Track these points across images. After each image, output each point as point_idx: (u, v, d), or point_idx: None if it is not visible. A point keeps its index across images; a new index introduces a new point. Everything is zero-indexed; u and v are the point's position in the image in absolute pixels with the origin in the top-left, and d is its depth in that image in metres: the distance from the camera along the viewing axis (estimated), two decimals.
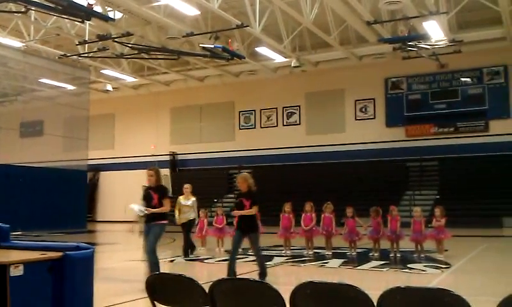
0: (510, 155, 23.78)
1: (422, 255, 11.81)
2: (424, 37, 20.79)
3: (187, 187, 13.16)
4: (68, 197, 23.68)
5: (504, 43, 23.61)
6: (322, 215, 12.78)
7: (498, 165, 23.63)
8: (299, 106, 29.30)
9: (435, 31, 20.21)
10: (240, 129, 30.84)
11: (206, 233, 13.86)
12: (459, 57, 23.48)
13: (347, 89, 28.07)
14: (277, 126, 29.81)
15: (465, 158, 24.60)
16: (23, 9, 17.99)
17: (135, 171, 32.25)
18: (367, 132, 27.11)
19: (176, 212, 12.83)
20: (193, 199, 12.87)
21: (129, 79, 29.67)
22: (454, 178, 24.05)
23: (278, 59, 25.21)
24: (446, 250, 12.08)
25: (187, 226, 12.69)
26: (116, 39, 22.23)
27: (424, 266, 10.47)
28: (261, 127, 30.26)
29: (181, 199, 12.88)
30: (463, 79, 25.80)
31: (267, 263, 11.21)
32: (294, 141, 28.70)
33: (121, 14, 21.95)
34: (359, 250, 12.60)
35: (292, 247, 12.91)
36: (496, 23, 22.00)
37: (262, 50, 24.05)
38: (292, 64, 25.58)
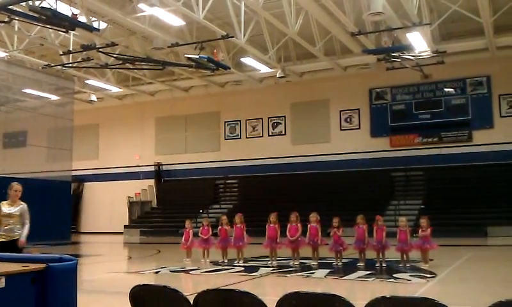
0: (493, 165, 24.04)
1: (408, 265, 11.82)
2: (407, 48, 21.02)
3: (16, 187, 8.30)
4: (52, 208, 23.39)
5: (487, 54, 23.92)
6: (308, 225, 12.75)
7: (482, 175, 23.86)
8: (284, 116, 29.38)
9: (419, 42, 20.44)
10: (225, 139, 30.81)
11: (191, 244, 13.74)
12: (442, 68, 23.74)
13: (332, 100, 28.21)
14: (262, 136, 29.84)
15: (449, 168, 24.81)
16: (6, 19, 17.86)
17: (119, 182, 32.13)
18: (352, 142, 27.24)
19: None
20: (22, 205, 8.26)
21: (114, 89, 29.53)
22: (439, 188, 24.21)
23: (263, 69, 25.27)
24: (431, 259, 12.12)
25: (11, 247, 7.73)
26: (100, 50, 22.12)
27: (410, 276, 10.49)
28: (246, 137, 30.27)
29: (3, 205, 8.20)
30: (446, 90, 26.08)
31: (253, 273, 11.17)
32: (279, 151, 28.75)
33: (106, 24, 21.88)
34: (345, 260, 12.59)
35: (278, 258, 12.86)
36: (478, 34, 22.30)
37: (247, 60, 24.10)
38: (277, 75, 25.67)
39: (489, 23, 20.50)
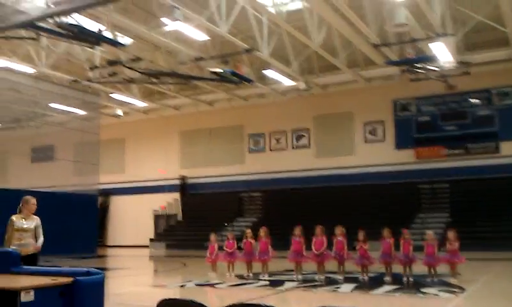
0: None
1: (435, 279, 11.65)
2: (431, 59, 20.86)
3: (33, 201, 8.11)
4: (78, 221, 23.68)
5: None
6: (334, 239, 12.67)
7: (510, 187, 23.40)
8: (308, 129, 29.32)
9: (443, 53, 20.25)
10: (249, 152, 30.86)
11: (216, 258, 13.74)
12: (467, 79, 23.45)
13: (355, 112, 28.07)
14: (286, 149, 29.80)
15: (476, 180, 24.37)
16: (34, 36, 18.26)
17: (145, 195, 32.39)
18: (377, 155, 27.02)
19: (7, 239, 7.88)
20: (36, 219, 8.08)
21: (139, 104, 29.87)
22: (465, 201, 23.82)
23: (286, 82, 25.29)
24: (459, 274, 11.91)
25: (26, 262, 6.82)
26: (126, 65, 22.44)
27: (438, 290, 10.32)
28: (270, 150, 30.27)
29: (17, 218, 7.92)
30: (472, 100, 25.74)
31: (279, 287, 11.12)
32: (303, 164, 28.66)
33: (131, 39, 22.20)
34: (371, 274, 12.45)
35: (303, 272, 12.78)
36: (503, 44, 22.04)
37: (270, 73, 24.15)
38: (301, 87, 25.67)
39: None
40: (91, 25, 18.14)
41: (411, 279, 11.76)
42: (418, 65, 21.91)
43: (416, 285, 11.18)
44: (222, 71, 21.37)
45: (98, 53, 22.00)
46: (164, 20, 18.11)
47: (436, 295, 9.90)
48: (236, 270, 13.48)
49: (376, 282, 11.68)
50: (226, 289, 11.30)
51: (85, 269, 5.72)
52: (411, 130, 26.76)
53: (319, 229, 12.63)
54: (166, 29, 19.39)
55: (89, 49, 20.36)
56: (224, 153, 31.34)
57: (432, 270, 11.84)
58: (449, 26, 19.84)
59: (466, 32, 21.10)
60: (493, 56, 23.32)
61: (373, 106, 27.49)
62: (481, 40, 22.73)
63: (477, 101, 25.67)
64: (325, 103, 28.39)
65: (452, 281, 11.44)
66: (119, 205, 33.74)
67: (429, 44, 19.83)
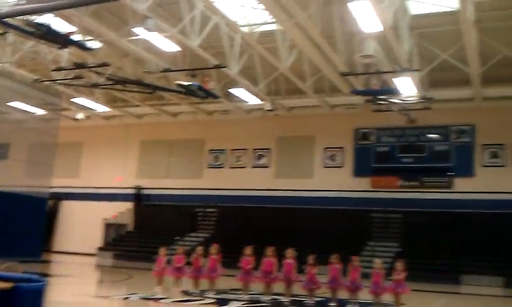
0: (473, 213, 24.15)
1: None
2: (395, 92, 21.30)
3: None
4: (24, 224, 22.99)
5: (473, 104, 24.33)
6: (284, 261, 12.71)
7: (461, 223, 23.97)
8: (269, 149, 29.45)
9: (407, 87, 20.75)
10: (208, 168, 30.75)
11: (163, 272, 13.58)
12: (428, 114, 24.00)
13: (317, 136, 28.38)
14: (246, 167, 29.83)
15: (429, 213, 24.89)
16: (1, 31, 17.87)
17: (97, 203, 31.77)
18: (334, 180, 27.31)
19: None
20: None
21: (101, 109, 29.48)
22: (417, 232, 24.21)
23: (252, 101, 25.41)
24: (403, 304, 12.10)
25: None
26: (92, 69, 22.17)
27: None
28: (230, 167, 30.24)
29: None
30: (430, 135, 26.39)
31: (224, 306, 11.05)
32: (262, 184, 28.70)
33: (100, 44, 21.98)
34: (318, 299, 12.52)
35: (250, 292, 12.75)
36: (466, 84, 22.69)
37: (237, 91, 24.24)
38: (266, 108, 25.83)
39: (477, 74, 20.90)
40: (61, 26, 17.93)
41: (356, 306, 11.87)
42: (382, 96, 22.34)
43: None
44: (189, 84, 21.32)
45: (65, 54, 21.67)
46: (136, 29, 17.99)
47: None
48: (183, 285, 13.35)
49: (321, 306, 11.76)
50: (171, 304, 11.18)
51: (26, 276, 5.59)
52: (370, 159, 27.21)
53: (270, 251, 12.67)
54: (137, 37, 19.28)
55: (56, 49, 20.03)
56: (182, 166, 31.15)
57: (377, 299, 11.99)
58: (415, 62, 20.37)
59: (430, 69, 21.66)
60: (454, 94, 24.02)
61: (335, 132, 27.87)
62: (444, 78, 23.33)
63: (435, 136, 26.33)
64: (288, 125, 28.63)
65: None
66: (69, 210, 32.93)
67: (394, 77, 20.31)
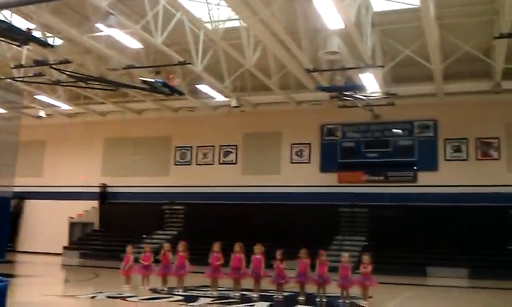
0: (436, 206, 24.69)
1: (347, 301, 11.93)
2: (359, 88, 21.53)
3: None
4: None
5: (435, 99, 24.79)
6: (252, 257, 12.72)
7: (425, 216, 24.45)
8: (236, 146, 29.43)
9: (371, 83, 21.02)
10: (175, 165, 30.55)
11: (131, 270, 13.44)
12: (392, 109, 24.41)
13: (284, 133, 28.51)
14: (213, 164, 29.75)
15: (394, 206, 25.32)
16: None
17: (62, 202, 31.25)
18: (302, 176, 27.51)
19: None
20: None
21: (64, 107, 28.95)
22: (383, 226, 24.60)
23: (218, 97, 25.36)
24: (371, 297, 12.26)
25: None
26: (53, 66, 21.72)
27: None
28: (197, 164, 30.10)
29: None
30: (394, 130, 26.80)
31: (193, 303, 11.00)
32: (229, 180, 28.68)
33: (61, 41, 21.57)
34: (286, 293, 12.57)
35: (219, 288, 12.73)
36: (428, 80, 23.09)
37: (203, 87, 24.13)
38: (232, 104, 25.80)
39: (439, 69, 21.30)
40: (20, 23, 17.51)
41: (324, 299, 11.98)
42: (347, 93, 22.54)
43: (328, 306, 11.41)
44: (153, 81, 21.08)
45: (25, 51, 21.16)
46: (98, 25, 17.68)
47: None
48: (151, 283, 13.24)
49: (290, 301, 11.82)
50: (138, 302, 11.07)
51: None
52: (336, 154, 27.46)
53: (238, 246, 12.67)
54: (99, 33, 18.97)
55: (16, 46, 19.54)
56: (149, 164, 30.88)
57: (345, 292, 12.10)
58: (379, 58, 20.64)
59: (394, 65, 21.98)
60: (417, 90, 24.41)
61: (301, 128, 28.05)
62: (407, 74, 23.72)
63: (399, 131, 26.75)
64: (255, 122, 28.67)
65: (363, 303, 11.76)
66: (33, 209, 32.28)
67: (359, 73, 20.55)
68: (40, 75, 22.57)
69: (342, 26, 16.07)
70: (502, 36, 17.22)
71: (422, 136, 26.34)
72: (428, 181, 25.59)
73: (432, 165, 25.84)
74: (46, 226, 30.93)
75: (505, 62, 20.44)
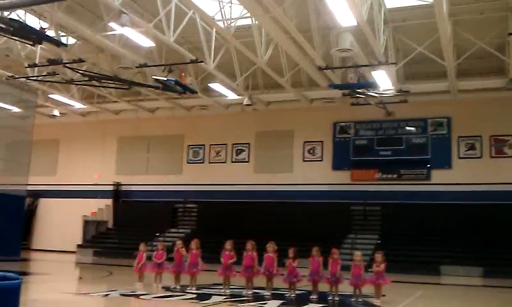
0: (450, 204, 24.51)
1: (360, 300, 11.87)
2: (372, 85, 21.43)
3: None
4: (2, 222, 22.67)
5: (448, 96, 24.61)
6: (265, 255, 12.70)
7: (439, 214, 24.30)
8: (248, 144, 29.46)
9: (383, 80, 20.90)
10: (188, 163, 30.65)
11: (144, 268, 13.50)
12: (405, 107, 24.24)
13: (296, 130, 28.47)
14: (225, 162, 29.80)
15: (407, 205, 25.19)
16: None
17: (76, 200, 31.49)
18: (314, 174, 27.47)
19: None
20: None
21: (78, 106, 29.16)
22: (396, 224, 24.53)
23: (230, 96, 25.38)
24: (383, 295, 12.18)
25: None
26: (67, 65, 21.87)
27: None
28: (209, 162, 30.18)
29: None
30: (408, 128, 26.64)
31: (205, 301, 11.02)
32: (241, 178, 28.72)
33: (75, 40, 21.72)
34: (298, 292, 12.55)
35: (231, 286, 12.73)
36: (441, 77, 22.93)
37: (215, 86, 24.18)
38: (244, 102, 25.81)
39: (452, 66, 21.14)
40: (34, 22, 17.63)
41: (336, 298, 11.93)
42: (359, 90, 22.45)
43: (341, 304, 11.37)
44: (166, 79, 21.14)
45: (39, 50, 21.34)
46: (111, 24, 17.77)
47: None
48: (164, 281, 13.28)
49: (302, 299, 11.78)
50: (151, 300, 11.12)
51: (1, 274, 5.51)
52: (349, 152, 27.36)
53: (250, 245, 12.64)
54: (112, 32, 19.06)
55: (29, 46, 19.70)
56: (162, 162, 31.01)
57: (357, 291, 12.05)
58: (391, 55, 20.53)
59: (407, 62, 21.86)
60: (430, 87, 24.25)
61: (314, 126, 27.99)
62: (420, 71, 23.63)
63: (412, 129, 26.59)
64: (267, 120, 28.67)
65: (376, 302, 11.69)
66: (47, 208, 32.60)
67: (371, 71, 20.45)
68: (54, 74, 22.75)
69: (354, 23, 16.03)
70: None
71: (436, 134, 26.16)
72: (442, 180, 25.42)
73: (446, 163, 25.65)
74: (60, 224, 31.19)
75: None
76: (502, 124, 24.94)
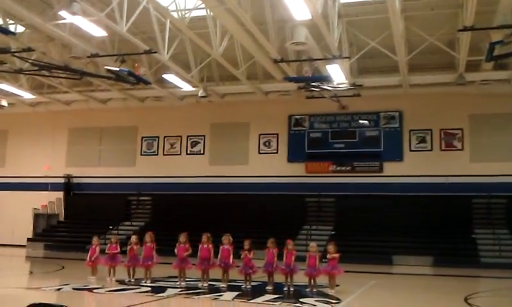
0: (402, 196, 25.15)
1: (315, 290, 12.01)
2: (326, 79, 21.69)
3: None
4: None
5: (400, 90, 25.08)
6: (220, 247, 12.68)
7: (391, 205, 24.91)
8: (203, 136, 29.31)
9: (337, 74, 21.17)
10: (141, 155, 30.24)
11: (97, 261, 13.26)
12: (358, 100, 24.66)
13: (252, 123, 28.52)
14: (180, 154, 29.56)
15: (360, 196, 25.69)
16: None
17: (25, 192, 30.64)
18: (269, 166, 27.61)
19: None
20: None
21: (27, 96, 28.26)
22: (349, 215, 24.97)
23: (185, 87, 25.13)
24: (337, 285, 12.38)
25: None
26: (15, 54, 21.19)
27: (315, 300, 10.64)
28: (164, 154, 29.87)
29: None
30: (361, 121, 27.09)
31: (160, 294, 10.92)
32: (196, 171, 28.59)
33: (24, 28, 21.04)
34: (254, 283, 12.60)
35: (187, 279, 12.66)
36: (394, 71, 23.35)
37: (170, 77, 23.89)
38: (199, 94, 25.60)
39: (404, 61, 21.55)
40: None
41: (291, 289, 12.04)
42: (314, 83, 22.68)
43: (296, 295, 11.47)
44: (118, 70, 20.77)
45: None
46: (61, 13, 17.26)
47: (314, 305, 10.19)
48: (118, 275, 13.09)
49: (257, 291, 11.83)
50: (105, 294, 10.93)
51: None
52: (304, 144, 27.61)
53: (205, 237, 12.61)
54: (63, 21, 18.54)
55: None
56: (115, 154, 30.49)
57: (312, 281, 12.20)
58: (345, 49, 20.76)
59: (360, 57, 22.16)
60: (383, 81, 24.65)
61: (269, 119, 28.10)
62: (373, 65, 24.01)
63: (365, 122, 27.05)
64: (222, 112, 28.58)
65: (330, 291, 11.87)
66: None
67: (326, 64, 20.66)
68: (2, 63, 22.01)
69: (309, 17, 16.12)
70: (465, 29, 17.53)
71: (388, 127, 26.70)
72: (393, 172, 26.02)
73: (397, 156, 26.24)
74: (9, 217, 30.26)
75: (469, 55, 20.81)
76: (451, 118, 25.71)
